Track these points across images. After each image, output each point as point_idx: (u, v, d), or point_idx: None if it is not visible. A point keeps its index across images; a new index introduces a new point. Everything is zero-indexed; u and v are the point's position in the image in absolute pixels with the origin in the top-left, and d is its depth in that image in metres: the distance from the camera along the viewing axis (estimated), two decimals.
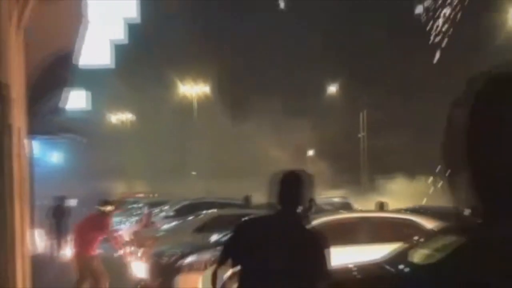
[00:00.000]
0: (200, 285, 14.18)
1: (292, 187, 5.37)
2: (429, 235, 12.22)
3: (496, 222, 1.47)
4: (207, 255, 15.36)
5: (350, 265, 12.20)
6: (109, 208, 14.80)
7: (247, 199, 25.50)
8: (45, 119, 21.35)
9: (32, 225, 16.44)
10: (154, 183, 42.00)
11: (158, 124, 48.01)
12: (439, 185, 39.11)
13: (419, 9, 56.18)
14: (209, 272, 14.45)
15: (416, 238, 12.07)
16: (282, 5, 57.16)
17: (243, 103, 51.13)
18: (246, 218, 5.90)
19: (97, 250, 14.75)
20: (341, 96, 57.93)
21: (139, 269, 16.82)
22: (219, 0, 54.59)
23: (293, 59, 52.24)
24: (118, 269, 16.86)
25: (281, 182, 5.39)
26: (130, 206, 30.41)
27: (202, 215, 21.27)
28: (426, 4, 56.27)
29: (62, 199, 26.32)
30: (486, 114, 1.43)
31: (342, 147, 51.55)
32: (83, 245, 14.48)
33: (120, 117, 59.95)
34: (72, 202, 29.29)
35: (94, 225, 14.46)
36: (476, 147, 1.44)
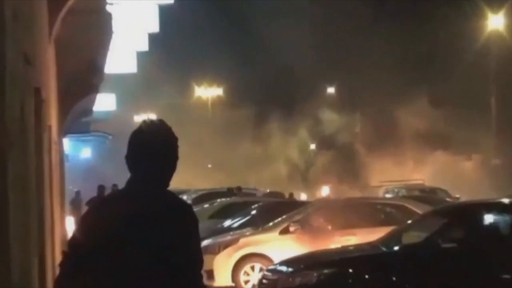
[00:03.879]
0: (214, 266, 14.19)
1: (146, 147, 3.31)
2: (420, 219, 12.13)
3: None
4: (220, 239, 15.34)
5: (350, 247, 12.10)
6: None
7: (237, 189, 25.68)
8: (76, 120, 21.41)
9: (63, 213, 16.38)
10: (174, 175, 42.19)
11: (177, 122, 48.20)
12: None
13: None
14: (222, 254, 14.62)
15: (409, 221, 11.99)
16: None
17: (253, 101, 51.17)
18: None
19: None
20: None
21: None
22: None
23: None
24: None
25: (130, 142, 3.34)
26: None
27: (216, 203, 21.30)
28: None
29: (102, 188, 23.28)
30: None
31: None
32: None
33: (143, 117, 60.17)
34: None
35: None
36: None
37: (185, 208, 3.33)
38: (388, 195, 27.80)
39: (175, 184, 3.61)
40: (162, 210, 3.24)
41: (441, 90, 44.93)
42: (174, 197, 3.36)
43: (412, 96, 42.37)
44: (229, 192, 25.14)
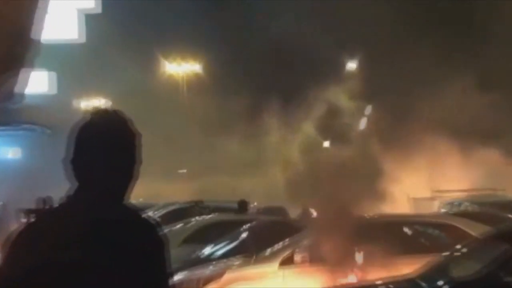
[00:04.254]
0: None
1: (96, 146, 3.41)
2: (474, 243, 12.17)
3: None
4: (199, 272, 15.36)
5: (378, 281, 12.17)
6: None
7: (242, 205, 25.42)
8: (0, 108, 21.40)
9: None
10: (135, 183, 42.04)
11: (138, 111, 48.06)
12: None
13: None
14: None
15: (458, 247, 12.01)
16: None
17: (243, 84, 51.23)
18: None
19: None
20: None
21: None
22: None
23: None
24: None
25: (75, 139, 3.46)
26: None
27: (193, 222, 21.34)
28: None
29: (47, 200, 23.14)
30: None
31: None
32: None
33: (92, 103, 60.09)
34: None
35: None
36: None
37: (150, 226, 3.40)
38: (444, 210, 27.68)
39: (135, 195, 3.66)
40: (121, 223, 3.33)
41: (493, 71, 45.21)
42: (135, 212, 3.41)
43: (454, 77, 42.65)
44: (242, 206, 24.99)
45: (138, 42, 50.51)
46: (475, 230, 14.30)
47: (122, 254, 3.27)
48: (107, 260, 3.24)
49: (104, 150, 3.40)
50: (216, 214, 23.41)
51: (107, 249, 3.27)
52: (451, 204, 29.71)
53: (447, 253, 11.88)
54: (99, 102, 59.88)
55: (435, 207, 29.58)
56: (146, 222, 3.40)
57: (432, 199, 32.88)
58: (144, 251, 3.29)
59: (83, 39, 25.32)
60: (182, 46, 55.52)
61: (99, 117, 3.49)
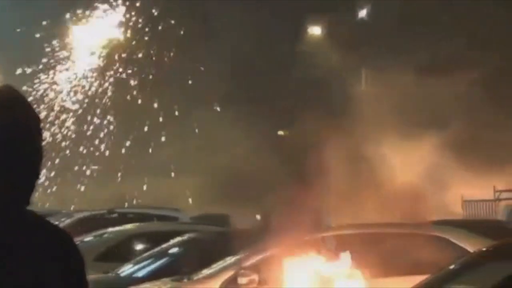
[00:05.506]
0: None
1: None
2: (471, 261, 12.29)
3: None
4: None
5: None
6: None
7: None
8: None
9: None
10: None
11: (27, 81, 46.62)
12: None
13: None
14: None
15: (452, 267, 12.17)
16: None
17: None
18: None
19: None
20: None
21: None
22: None
23: None
24: None
25: None
26: None
27: (107, 235, 21.32)
28: None
29: None
30: None
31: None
32: None
33: None
34: None
35: None
36: None
37: (67, 240, 3.33)
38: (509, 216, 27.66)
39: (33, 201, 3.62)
40: (29, 241, 3.22)
41: None
42: (44, 221, 3.32)
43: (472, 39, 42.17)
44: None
45: None
46: (474, 244, 14.42)
47: (36, 271, 3.17)
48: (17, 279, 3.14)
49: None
50: (138, 224, 23.39)
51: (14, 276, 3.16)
52: None
53: (433, 276, 12.00)
54: None
55: (498, 213, 29.32)
56: (64, 235, 3.30)
57: (495, 201, 32.88)
58: (65, 268, 3.24)
59: None
60: None
61: None
